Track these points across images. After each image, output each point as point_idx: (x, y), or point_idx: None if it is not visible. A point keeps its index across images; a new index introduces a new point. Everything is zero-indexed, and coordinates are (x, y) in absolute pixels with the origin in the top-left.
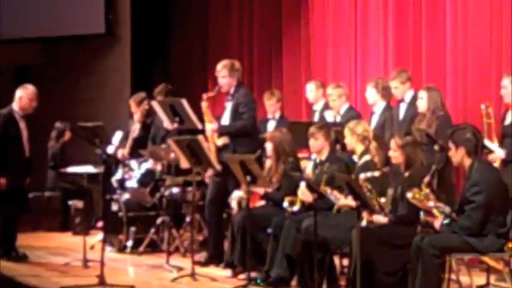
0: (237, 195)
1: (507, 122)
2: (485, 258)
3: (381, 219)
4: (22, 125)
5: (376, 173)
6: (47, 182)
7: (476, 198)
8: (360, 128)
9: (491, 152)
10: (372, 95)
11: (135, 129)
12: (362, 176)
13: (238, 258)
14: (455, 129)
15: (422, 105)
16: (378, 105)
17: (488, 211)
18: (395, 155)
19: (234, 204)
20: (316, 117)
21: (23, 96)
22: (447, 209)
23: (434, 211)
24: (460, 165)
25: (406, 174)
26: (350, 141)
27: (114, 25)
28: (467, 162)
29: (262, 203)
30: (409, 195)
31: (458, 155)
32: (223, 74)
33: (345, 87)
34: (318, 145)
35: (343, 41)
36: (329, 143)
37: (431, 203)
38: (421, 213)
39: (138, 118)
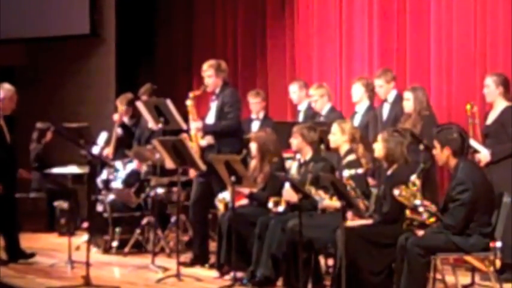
0: (222, 196)
1: (489, 121)
2: (470, 259)
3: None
4: (2, 122)
5: (360, 170)
6: (31, 183)
7: (461, 197)
8: (349, 127)
9: (476, 151)
10: (359, 93)
11: (118, 130)
12: (346, 173)
13: (224, 257)
14: (441, 128)
15: (408, 105)
16: (362, 104)
17: (473, 210)
18: (378, 147)
19: (220, 206)
20: (300, 117)
21: (6, 97)
22: (433, 208)
23: (420, 209)
24: (445, 165)
25: (389, 172)
26: (338, 138)
27: (99, 26)
28: (453, 162)
29: (245, 201)
30: (396, 192)
31: (443, 155)
32: (209, 73)
33: (327, 87)
34: (295, 145)
35: (328, 41)
36: (308, 143)
37: (417, 201)
38: (407, 211)
39: (117, 118)
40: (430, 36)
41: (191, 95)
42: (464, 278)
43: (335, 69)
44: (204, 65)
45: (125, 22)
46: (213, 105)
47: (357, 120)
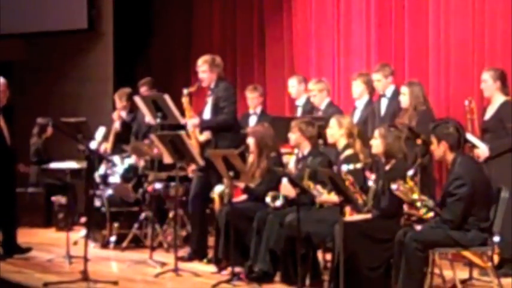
0: (218, 189)
1: (487, 116)
2: (467, 254)
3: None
4: (2, 124)
5: (359, 165)
6: (30, 177)
7: (459, 191)
8: (347, 122)
9: (474, 146)
10: (360, 90)
11: (116, 124)
12: (344, 168)
13: (222, 252)
14: (438, 123)
15: (404, 100)
16: (362, 99)
17: (470, 204)
18: (376, 143)
19: (215, 197)
20: (299, 112)
21: None
22: (431, 203)
23: (418, 204)
24: (442, 160)
25: (387, 167)
26: (336, 132)
27: (97, 20)
28: (450, 156)
29: (243, 196)
30: (393, 187)
31: (440, 150)
32: (204, 68)
33: (326, 83)
34: (293, 139)
35: (326, 36)
36: (306, 138)
37: (415, 196)
38: (404, 206)
39: (116, 115)
40: (428, 31)
41: (185, 91)
42: (462, 273)
43: (333, 64)
44: (199, 61)
45: (122, 17)
46: (209, 100)
47: (357, 116)
